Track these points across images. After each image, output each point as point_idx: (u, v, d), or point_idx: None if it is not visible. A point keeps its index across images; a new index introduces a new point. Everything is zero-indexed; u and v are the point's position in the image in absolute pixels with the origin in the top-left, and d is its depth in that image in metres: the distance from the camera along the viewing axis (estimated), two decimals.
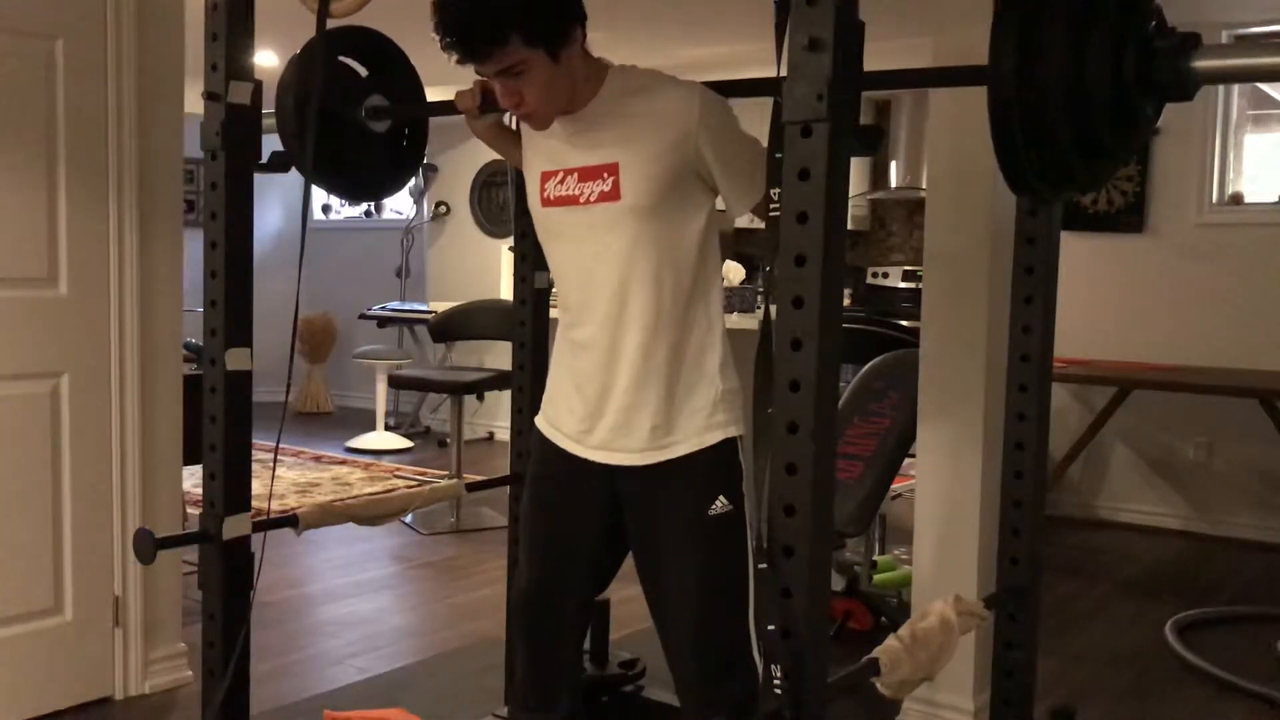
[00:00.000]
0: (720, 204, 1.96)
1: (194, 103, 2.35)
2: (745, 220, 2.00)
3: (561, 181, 1.97)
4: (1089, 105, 1.35)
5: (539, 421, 2.14)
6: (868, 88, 1.43)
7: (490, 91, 2.06)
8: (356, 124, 2.35)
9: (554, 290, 2.14)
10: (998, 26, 1.35)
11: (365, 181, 2.48)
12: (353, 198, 2.47)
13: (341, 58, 2.34)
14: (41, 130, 2.85)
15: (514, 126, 2.17)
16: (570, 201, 1.96)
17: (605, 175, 1.90)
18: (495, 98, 2.04)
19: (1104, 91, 1.35)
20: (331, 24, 2.15)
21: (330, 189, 2.48)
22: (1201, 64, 1.37)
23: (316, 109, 2.03)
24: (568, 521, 2.10)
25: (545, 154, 2.01)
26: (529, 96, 1.87)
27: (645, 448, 1.96)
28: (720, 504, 1.93)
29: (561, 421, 2.07)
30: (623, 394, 1.96)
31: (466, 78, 2.02)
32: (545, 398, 2.14)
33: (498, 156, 2.25)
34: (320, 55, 2.09)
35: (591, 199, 1.92)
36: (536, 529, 2.15)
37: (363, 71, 2.38)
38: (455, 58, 1.83)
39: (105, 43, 2.95)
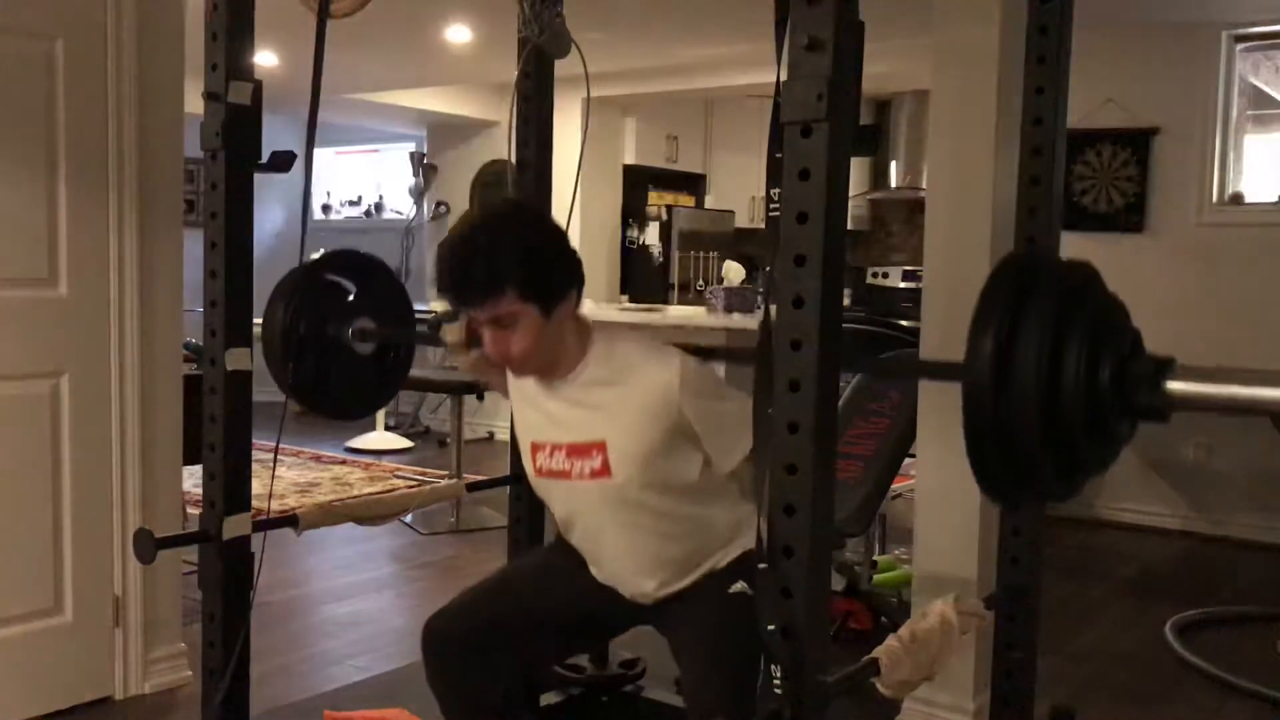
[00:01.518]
0: None
1: (194, 103, 2.35)
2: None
3: (550, 456, 2.00)
4: (1065, 416, 1.32)
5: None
6: None
7: (476, 331, 2.09)
8: (343, 345, 2.38)
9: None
10: (974, 329, 1.33)
11: (350, 402, 2.52)
12: (336, 417, 2.54)
13: (330, 276, 2.38)
14: (41, 130, 2.85)
15: None
16: (563, 475, 1.98)
17: (594, 453, 1.93)
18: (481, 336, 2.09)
19: (1080, 405, 1.32)
20: (331, 26, 2.15)
21: (315, 409, 2.47)
22: (1175, 387, 1.35)
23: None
24: (558, 588, 2.13)
25: (533, 426, 2.04)
26: (515, 347, 1.88)
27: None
28: (740, 585, 1.94)
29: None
30: (647, 598, 2.04)
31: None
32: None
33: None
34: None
35: (584, 475, 1.95)
36: (523, 574, 2.20)
37: (351, 292, 2.41)
38: (450, 301, 1.86)
39: (105, 43, 2.94)
